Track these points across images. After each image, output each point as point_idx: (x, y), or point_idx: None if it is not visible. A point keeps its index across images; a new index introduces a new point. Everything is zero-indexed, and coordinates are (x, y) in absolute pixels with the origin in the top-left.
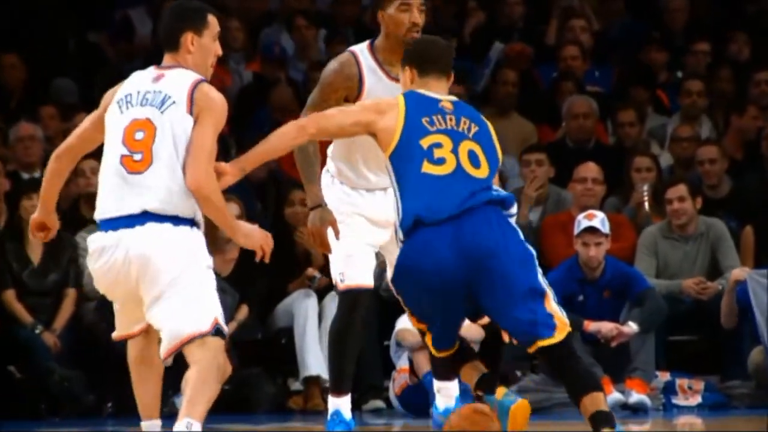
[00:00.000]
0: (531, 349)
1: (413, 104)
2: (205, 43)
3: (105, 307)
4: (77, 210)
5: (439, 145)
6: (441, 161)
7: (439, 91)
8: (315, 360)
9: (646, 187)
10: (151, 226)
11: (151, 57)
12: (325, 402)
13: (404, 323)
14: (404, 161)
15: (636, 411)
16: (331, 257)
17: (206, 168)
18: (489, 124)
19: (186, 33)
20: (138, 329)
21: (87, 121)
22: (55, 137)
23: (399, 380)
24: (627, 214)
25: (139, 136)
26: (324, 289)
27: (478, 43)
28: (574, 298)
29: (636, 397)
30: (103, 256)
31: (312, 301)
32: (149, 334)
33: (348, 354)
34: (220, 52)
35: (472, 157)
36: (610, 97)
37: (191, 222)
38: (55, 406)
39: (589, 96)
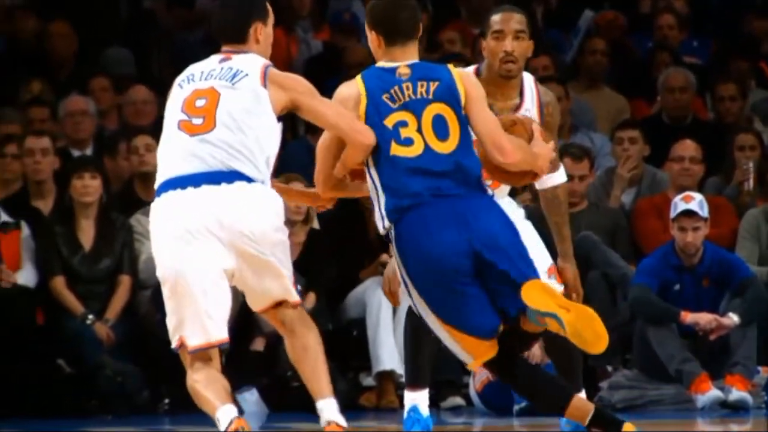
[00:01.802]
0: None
1: (372, 83)
2: (269, 32)
3: (162, 296)
4: (131, 190)
5: (404, 124)
6: (409, 142)
7: (406, 57)
8: (389, 354)
9: (750, 164)
10: (241, 185)
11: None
12: (400, 399)
13: None
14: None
15: (736, 409)
16: None
17: (352, 126)
18: (452, 70)
19: (255, 23)
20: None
21: None
22: (108, 111)
23: (480, 376)
24: (727, 196)
25: (200, 103)
26: None
27: (567, 11)
28: (671, 287)
29: (736, 394)
30: (180, 214)
31: None
32: (213, 360)
33: (426, 343)
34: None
35: (439, 127)
36: (709, 69)
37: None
38: (107, 402)
39: (687, 68)
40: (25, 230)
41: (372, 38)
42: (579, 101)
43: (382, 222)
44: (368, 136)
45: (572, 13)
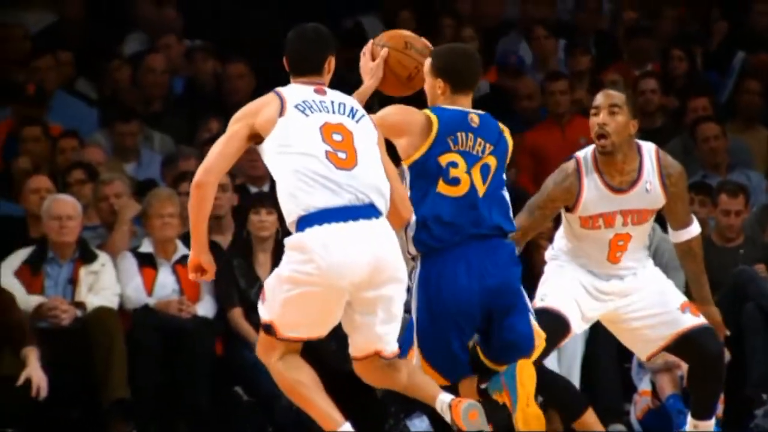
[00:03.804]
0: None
1: (445, 120)
2: (334, 63)
3: (335, 327)
4: None
5: (455, 165)
6: (456, 181)
7: (466, 105)
8: None
9: None
10: (384, 222)
11: None
12: (565, 426)
13: None
14: (421, 176)
15: None
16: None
17: (403, 195)
18: (509, 139)
19: (329, 56)
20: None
21: (236, 141)
22: None
23: (641, 403)
24: None
25: (337, 138)
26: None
27: (722, 53)
28: None
29: None
30: (344, 245)
31: None
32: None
33: None
34: None
35: (484, 172)
36: None
37: None
38: (284, 431)
39: None
40: None
41: (436, 84)
42: (736, 140)
43: (408, 247)
44: (410, 212)
45: (730, 55)
